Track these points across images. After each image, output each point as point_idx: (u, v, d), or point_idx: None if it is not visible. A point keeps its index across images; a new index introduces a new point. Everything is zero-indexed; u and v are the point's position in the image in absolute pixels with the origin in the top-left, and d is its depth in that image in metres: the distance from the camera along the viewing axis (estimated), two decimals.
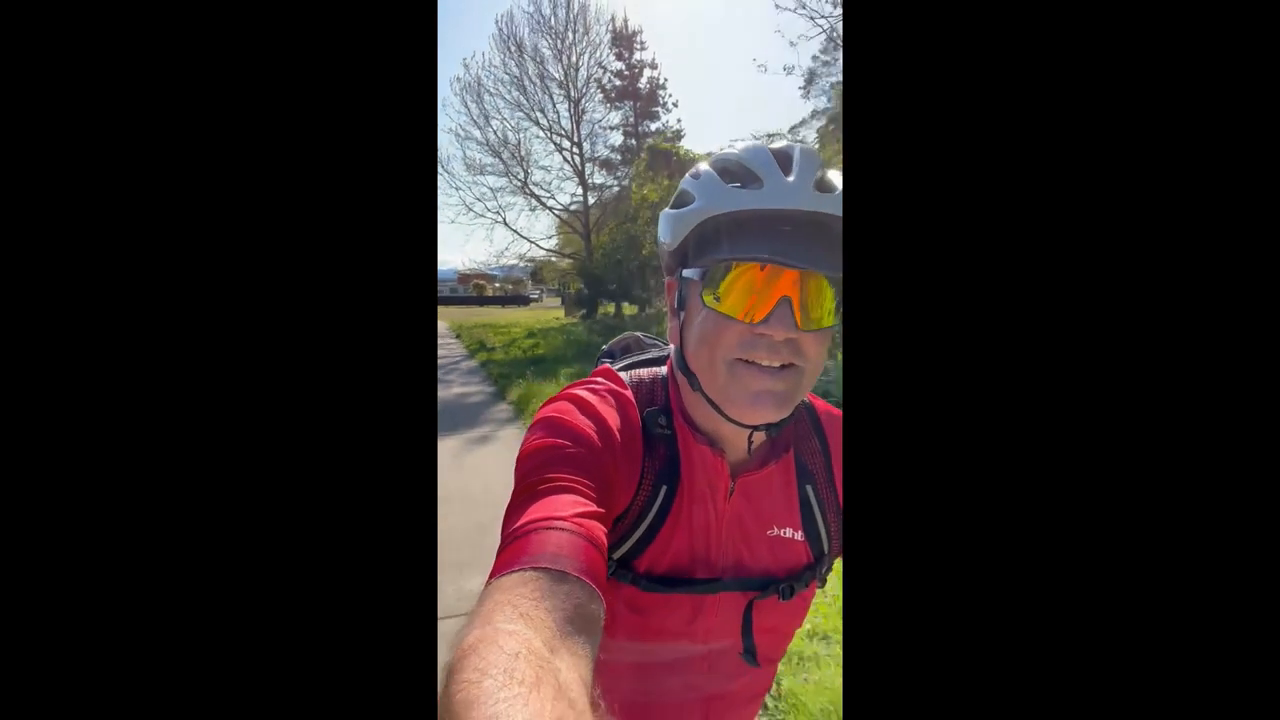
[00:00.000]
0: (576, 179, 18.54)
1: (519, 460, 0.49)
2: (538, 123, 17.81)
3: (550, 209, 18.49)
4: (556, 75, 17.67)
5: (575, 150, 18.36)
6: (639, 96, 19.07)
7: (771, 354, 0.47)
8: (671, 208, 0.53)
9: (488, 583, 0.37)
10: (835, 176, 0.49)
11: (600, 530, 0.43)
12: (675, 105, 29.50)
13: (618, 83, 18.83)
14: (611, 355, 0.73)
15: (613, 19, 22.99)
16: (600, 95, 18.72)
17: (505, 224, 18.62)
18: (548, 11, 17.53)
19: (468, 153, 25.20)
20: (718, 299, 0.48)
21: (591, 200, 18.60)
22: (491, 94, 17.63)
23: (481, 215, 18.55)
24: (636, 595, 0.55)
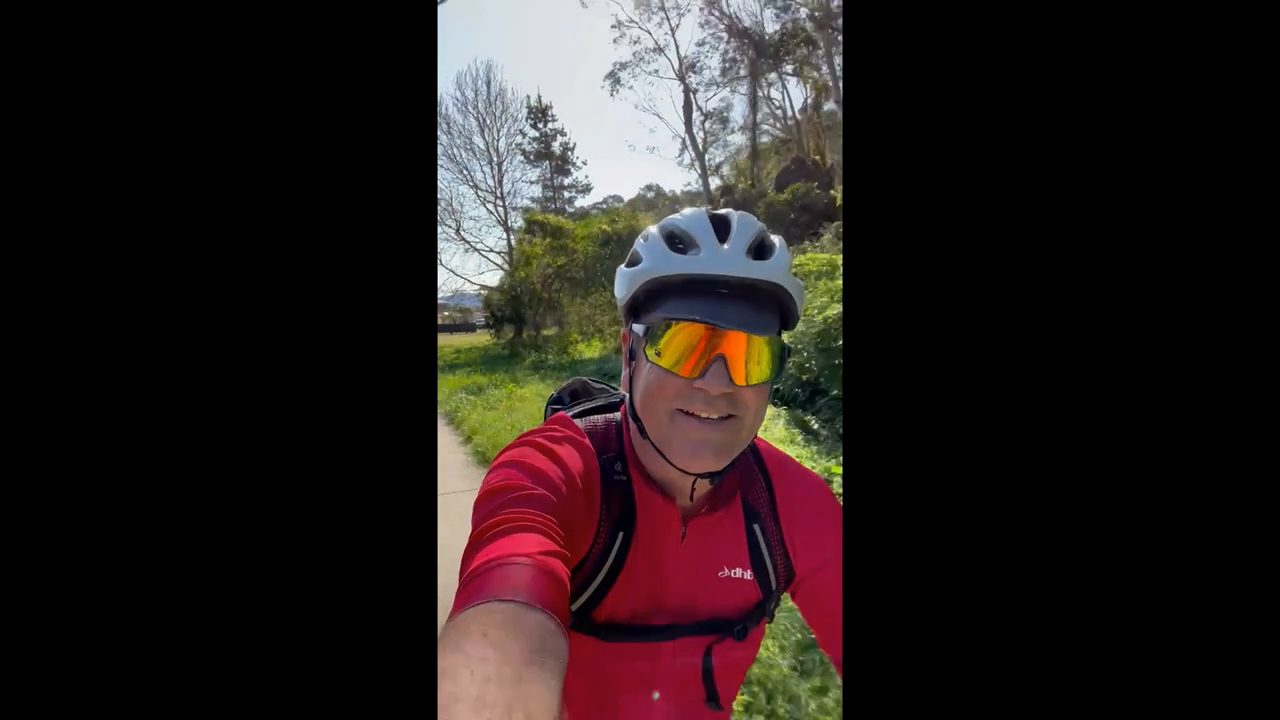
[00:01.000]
0: (500, 226, 22.43)
1: (478, 501, 0.48)
2: (468, 181, 21.68)
3: (479, 250, 22.23)
4: (480, 145, 21.69)
5: (500, 203, 22.28)
6: (553, 157, 23.20)
7: (709, 407, 0.49)
8: (625, 266, 0.56)
9: (451, 616, 0.37)
10: (772, 242, 0.53)
11: (562, 568, 0.42)
12: (584, 164, 34.23)
13: (535, 147, 22.93)
14: (560, 400, 0.75)
15: (528, 97, 27.34)
16: (521, 157, 22.78)
17: (441, 264, 22.20)
18: (470, 95, 21.60)
19: None
20: (659, 354, 0.50)
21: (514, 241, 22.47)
22: None
23: None
24: (598, 647, 0.55)
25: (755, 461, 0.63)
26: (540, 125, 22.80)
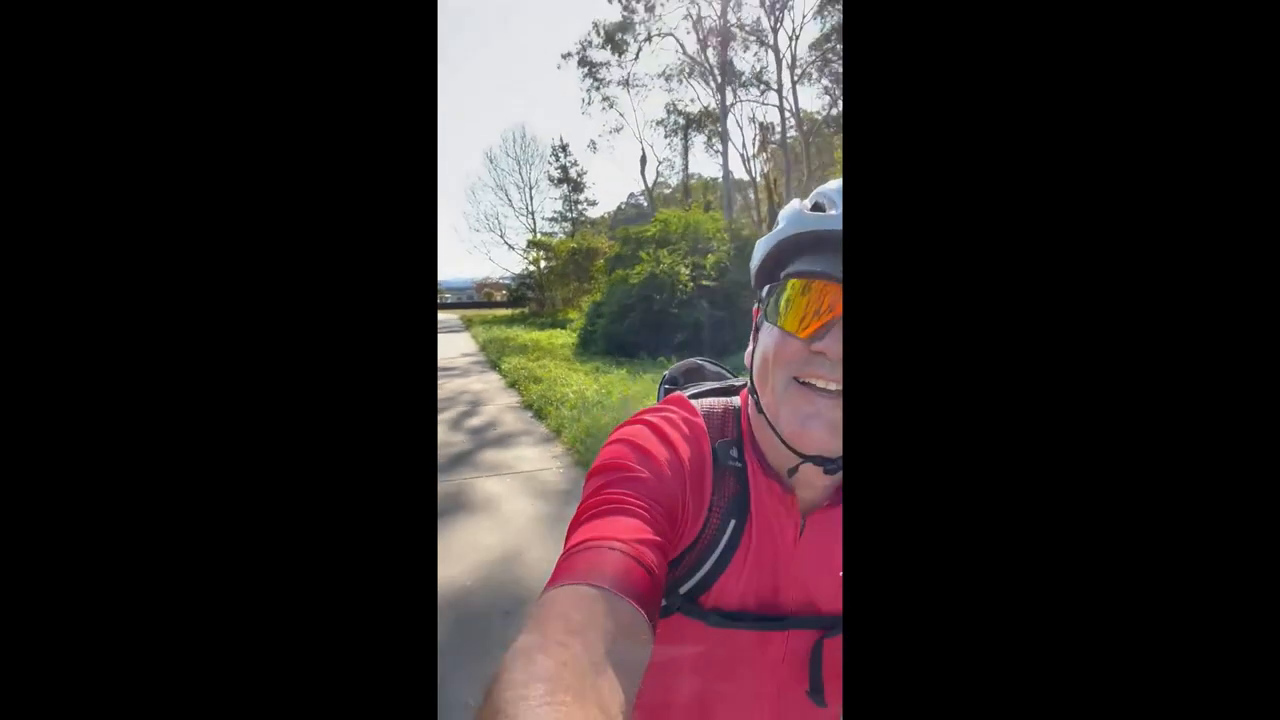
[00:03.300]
0: (530, 233, 30.75)
1: (590, 473, 0.49)
2: (509, 204, 30.20)
3: (515, 249, 30.51)
4: (516, 180, 30.11)
5: (530, 217, 30.67)
6: (570, 181, 31.02)
7: (829, 375, 0.46)
8: (763, 238, 0.53)
9: (544, 590, 0.37)
10: None
11: (657, 558, 0.42)
12: (594, 184, 43.72)
13: (558, 174, 30.86)
14: (674, 381, 0.73)
15: (552, 140, 36.36)
16: (548, 181, 30.92)
17: (490, 259, 30.89)
18: (510, 142, 30.06)
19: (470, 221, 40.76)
20: (779, 314, 0.48)
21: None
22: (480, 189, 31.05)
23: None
24: (703, 630, 0.53)
25: None
26: (561, 157, 30.69)
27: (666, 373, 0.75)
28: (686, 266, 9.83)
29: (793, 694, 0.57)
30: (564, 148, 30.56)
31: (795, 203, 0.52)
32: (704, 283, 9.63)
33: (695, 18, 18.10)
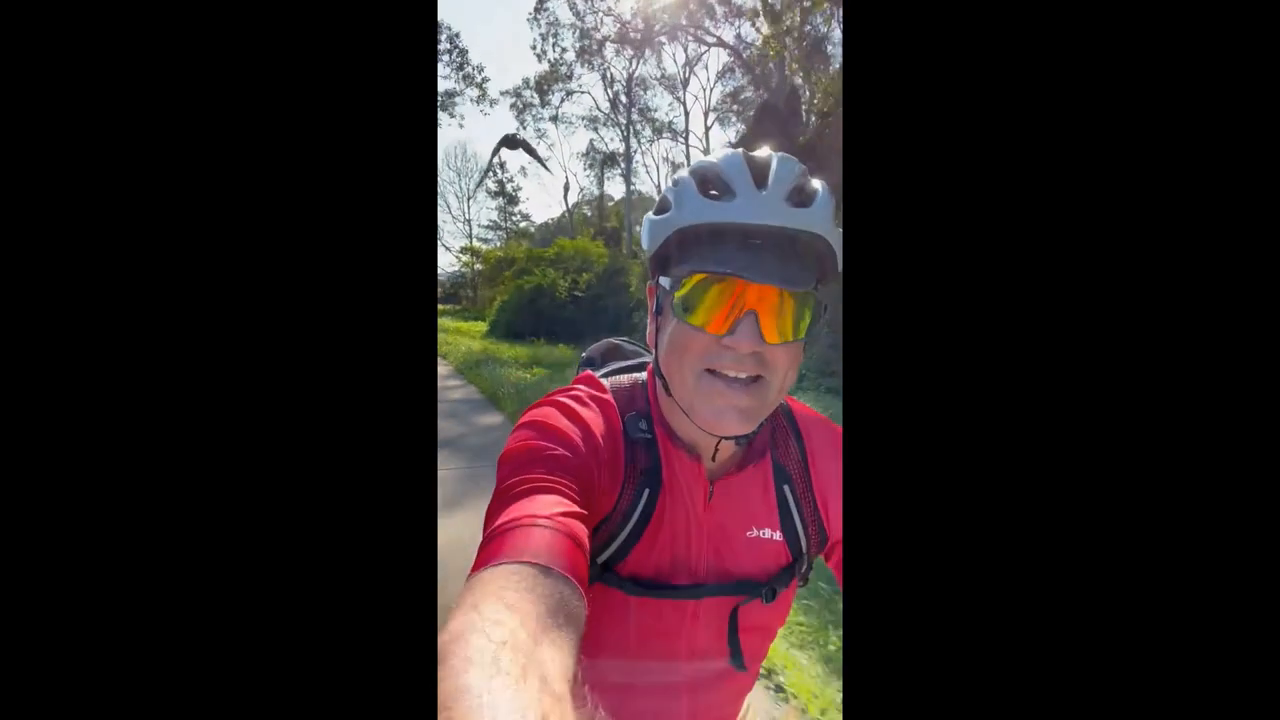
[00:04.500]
0: (466, 238, 34.70)
1: (501, 460, 0.49)
2: (448, 210, 33.97)
3: (451, 251, 34.34)
4: (456, 190, 34.04)
5: (466, 224, 34.73)
6: (506, 195, 35.17)
7: (738, 365, 0.47)
8: (653, 213, 0.53)
9: (469, 576, 0.37)
10: (814, 188, 0.49)
11: (582, 530, 0.42)
12: (527, 199, 48.29)
13: (495, 187, 34.93)
14: (592, 361, 0.75)
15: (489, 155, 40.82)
16: (486, 194, 34.96)
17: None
18: (452, 157, 34.01)
19: None
20: (686, 309, 0.48)
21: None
22: None
23: None
24: (622, 599, 0.54)
25: (788, 421, 0.62)
26: (499, 173, 34.88)
27: (584, 353, 0.77)
28: (565, 280, 14.32)
29: (710, 659, 0.59)
30: (502, 164, 34.77)
31: (686, 179, 0.51)
32: (575, 293, 14.14)
33: (608, 80, 22.90)
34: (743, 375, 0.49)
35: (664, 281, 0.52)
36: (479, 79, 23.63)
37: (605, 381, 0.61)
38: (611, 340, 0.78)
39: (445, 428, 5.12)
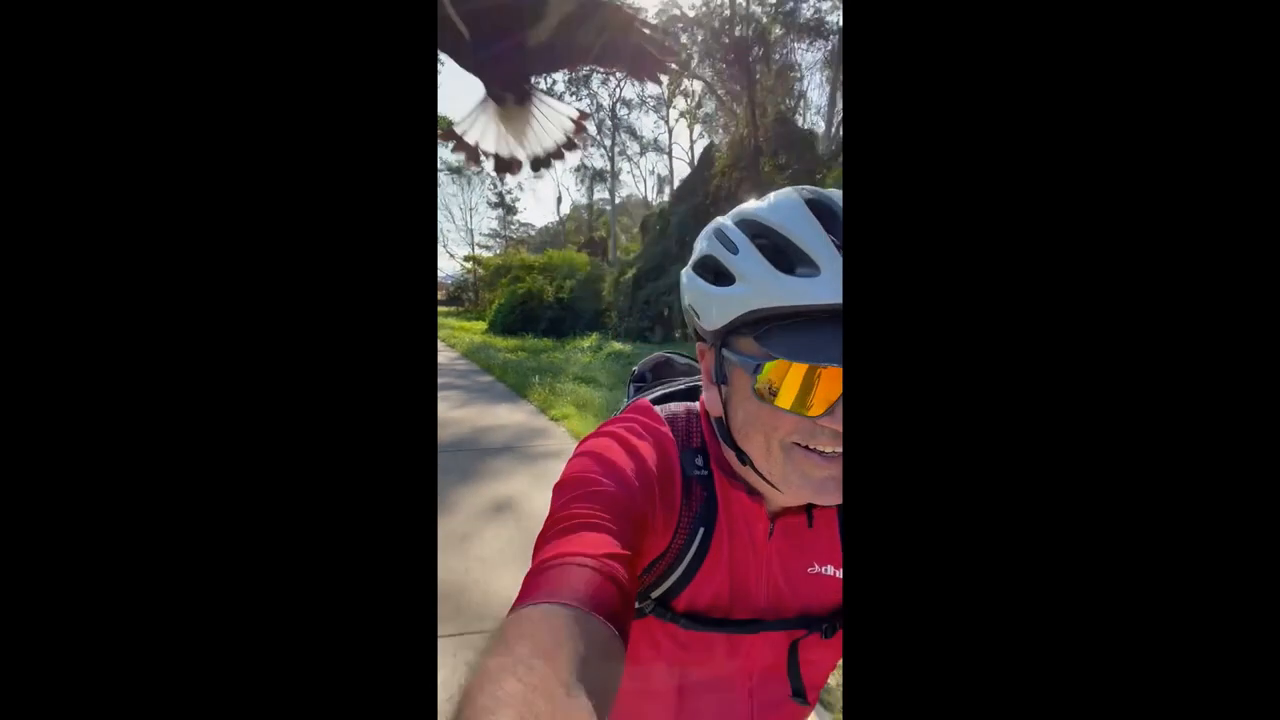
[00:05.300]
0: (469, 246, 37.71)
1: (557, 487, 0.49)
2: (451, 220, 36.98)
3: (455, 258, 37.33)
4: (457, 198, 37.10)
5: (469, 233, 37.69)
6: (505, 206, 38.22)
7: (834, 442, 0.45)
8: (705, 278, 0.49)
9: (512, 609, 0.37)
10: None
11: (627, 573, 0.41)
12: (525, 209, 50.98)
13: (495, 198, 38.00)
14: (643, 378, 0.73)
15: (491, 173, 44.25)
16: (487, 205, 38.01)
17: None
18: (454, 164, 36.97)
19: None
20: (773, 393, 0.45)
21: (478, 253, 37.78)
22: None
23: None
24: (677, 631, 0.54)
25: None
26: (499, 185, 37.94)
27: (636, 369, 0.75)
28: (552, 286, 17.23)
29: (766, 695, 0.59)
30: (500, 177, 37.87)
31: (747, 244, 0.47)
32: (559, 296, 17.02)
33: (593, 105, 25.87)
34: (839, 450, 0.46)
35: (732, 357, 0.48)
36: None
37: (660, 410, 0.58)
38: (663, 354, 0.75)
39: (450, 381, 8.07)
